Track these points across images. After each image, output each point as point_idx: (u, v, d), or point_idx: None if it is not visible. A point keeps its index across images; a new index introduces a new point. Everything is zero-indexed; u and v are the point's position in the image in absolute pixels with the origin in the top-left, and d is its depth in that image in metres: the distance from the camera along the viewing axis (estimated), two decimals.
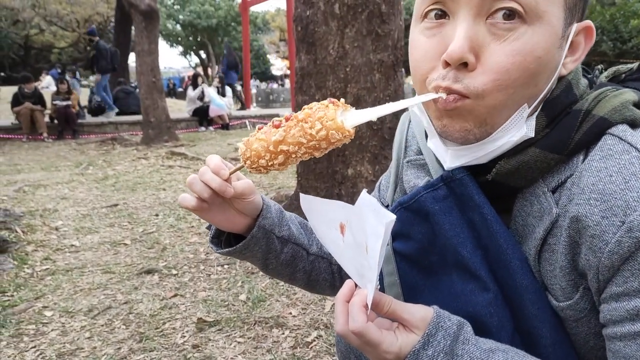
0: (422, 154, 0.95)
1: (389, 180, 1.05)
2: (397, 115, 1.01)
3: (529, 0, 0.67)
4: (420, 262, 0.87)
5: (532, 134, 0.74)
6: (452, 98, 0.72)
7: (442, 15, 0.73)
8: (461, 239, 0.81)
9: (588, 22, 0.76)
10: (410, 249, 0.88)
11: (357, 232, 0.73)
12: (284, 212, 1.07)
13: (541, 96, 0.74)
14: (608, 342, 0.70)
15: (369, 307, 0.72)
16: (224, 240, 1.02)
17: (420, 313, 0.72)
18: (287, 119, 0.77)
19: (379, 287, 0.72)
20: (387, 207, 0.98)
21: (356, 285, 0.77)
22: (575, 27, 0.74)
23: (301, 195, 0.84)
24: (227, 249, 0.99)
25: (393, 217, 0.65)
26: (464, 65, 0.71)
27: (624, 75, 0.88)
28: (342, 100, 0.77)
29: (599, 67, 0.94)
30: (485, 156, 0.78)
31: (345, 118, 0.74)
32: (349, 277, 1.20)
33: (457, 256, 0.81)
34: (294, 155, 0.76)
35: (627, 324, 0.66)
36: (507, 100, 0.72)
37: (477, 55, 0.70)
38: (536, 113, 0.75)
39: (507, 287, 0.78)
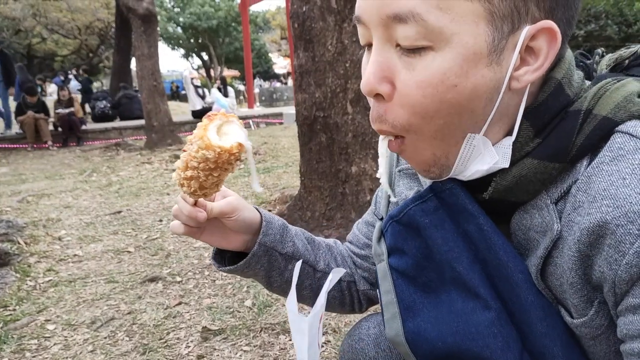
0: None
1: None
2: None
3: (431, 26, 0.59)
4: (417, 278, 0.79)
5: (507, 164, 0.66)
6: (394, 143, 0.68)
7: (371, 44, 0.68)
8: (456, 253, 0.73)
9: (547, 23, 0.61)
10: (406, 264, 0.80)
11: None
12: (289, 227, 1.02)
13: (489, 119, 0.64)
14: (626, 359, 0.62)
15: None
16: (227, 258, 1.00)
17: None
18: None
19: None
20: (381, 219, 0.91)
21: None
22: (525, 32, 0.61)
23: None
24: (228, 267, 0.96)
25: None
26: (381, 96, 0.65)
27: (627, 61, 0.78)
28: (222, 111, 0.73)
29: (599, 50, 0.84)
30: (465, 177, 0.71)
31: (228, 132, 0.70)
32: (362, 294, 1.13)
33: (454, 272, 0.73)
34: (203, 179, 0.73)
35: None
36: (442, 129, 0.64)
37: (393, 83, 0.64)
38: (513, 136, 0.66)
39: (511, 303, 0.71)
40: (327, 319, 2.57)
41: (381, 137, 0.72)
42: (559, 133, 0.65)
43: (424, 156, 0.69)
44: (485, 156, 0.67)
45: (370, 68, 0.65)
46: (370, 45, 0.68)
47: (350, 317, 2.53)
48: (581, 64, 0.79)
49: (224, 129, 0.70)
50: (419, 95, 0.62)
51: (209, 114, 0.72)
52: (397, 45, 0.63)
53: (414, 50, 0.61)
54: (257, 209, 0.99)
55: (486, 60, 0.61)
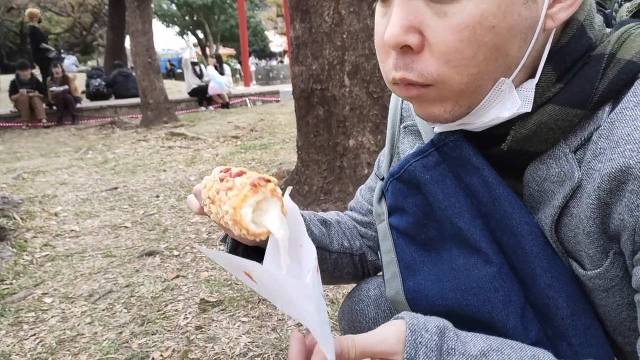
0: None
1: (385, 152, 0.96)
2: None
3: None
4: (417, 237, 0.78)
5: (529, 108, 0.64)
6: (414, 88, 0.64)
7: None
8: (457, 209, 0.71)
9: None
10: (406, 223, 0.78)
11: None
12: (303, 215, 0.97)
13: (522, 62, 0.62)
14: None
15: None
16: (241, 252, 0.93)
17: (393, 336, 0.62)
18: (224, 178, 0.66)
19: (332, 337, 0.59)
20: (382, 180, 0.88)
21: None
22: None
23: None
24: None
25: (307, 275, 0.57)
26: (409, 48, 0.61)
27: None
28: (272, 185, 0.62)
29: None
30: (478, 127, 0.68)
31: (262, 212, 0.61)
32: (370, 264, 1.09)
33: (455, 228, 0.72)
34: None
35: None
36: (475, 80, 0.61)
37: (422, 33, 0.60)
38: (536, 78, 0.64)
39: (515, 255, 0.69)
40: (324, 289, 2.58)
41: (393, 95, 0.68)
42: (581, 78, 0.63)
43: (444, 105, 0.65)
44: (506, 102, 0.64)
45: (394, 19, 0.60)
46: None
47: (348, 287, 2.54)
48: (600, 12, 0.76)
49: (263, 205, 0.62)
50: (455, 41, 0.58)
51: (257, 181, 0.61)
52: None
53: None
54: None
55: None
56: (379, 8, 0.68)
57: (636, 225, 0.56)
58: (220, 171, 0.71)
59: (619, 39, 0.64)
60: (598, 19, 0.68)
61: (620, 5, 0.79)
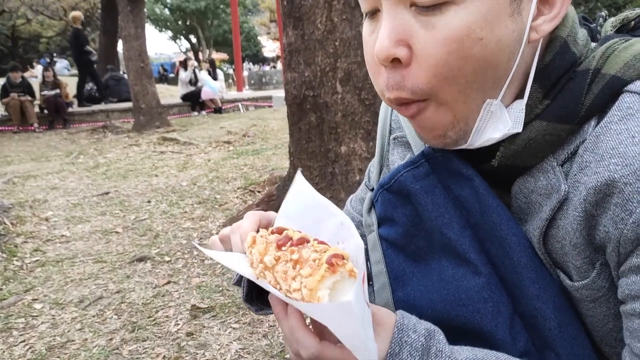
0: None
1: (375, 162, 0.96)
2: None
3: None
4: (406, 247, 0.78)
5: (520, 128, 0.64)
6: (412, 107, 0.65)
7: (376, 9, 0.64)
8: (446, 219, 0.72)
9: None
10: (396, 234, 0.79)
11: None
12: None
13: (510, 76, 0.63)
14: (626, 320, 0.62)
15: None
16: (255, 295, 0.88)
17: (383, 330, 0.62)
18: (284, 244, 0.63)
19: None
20: (372, 190, 0.89)
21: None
22: None
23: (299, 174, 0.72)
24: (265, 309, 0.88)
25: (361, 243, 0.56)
26: (399, 62, 0.61)
27: (632, 22, 0.77)
28: (350, 265, 0.58)
29: (603, 14, 0.82)
30: (472, 146, 0.69)
31: (336, 292, 0.57)
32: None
33: (444, 239, 0.72)
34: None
35: None
36: (465, 91, 0.62)
37: (409, 46, 0.61)
38: (525, 98, 0.64)
39: (504, 266, 0.69)
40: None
41: (383, 104, 0.68)
42: (567, 93, 0.64)
43: (443, 120, 0.66)
44: (498, 124, 0.65)
45: (383, 32, 0.61)
46: (373, 12, 0.66)
47: None
48: (585, 26, 0.77)
49: (339, 285, 0.57)
50: (443, 53, 0.59)
51: (334, 260, 0.57)
52: (412, 5, 0.60)
53: (433, 7, 0.59)
54: None
55: (509, 10, 0.59)
56: (366, 25, 0.68)
57: (621, 238, 0.58)
58: (272, 232, 0.67)
59: (604, 54, 0.65)
60: (582, 34, 0.69)
61: (605, 20, 0.81)
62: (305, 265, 0.58)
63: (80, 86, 12.21)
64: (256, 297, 0.87)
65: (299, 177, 0.73)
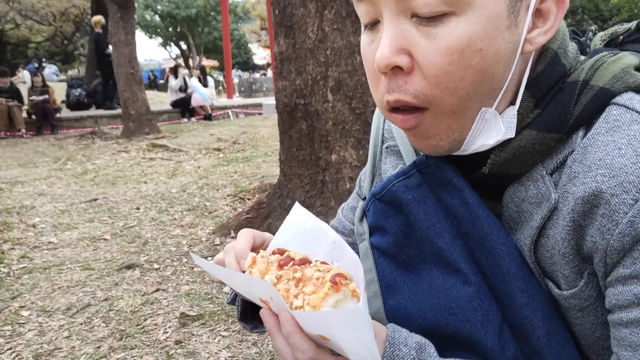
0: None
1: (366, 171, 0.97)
2: None
3: None
4: (398, 256, 0.79)
5: (513, 134, 0.66)
6: (411, 118, 0.65)
7: (377, 21, 0.66)
8: (437, 229, 0.73)
9: None
10: (387, 243, 0.80)
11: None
12: None
13: (505, 86, 0.65)
14: (613, 329, 0.63)
15: None
16: (250, 313, 0.89)
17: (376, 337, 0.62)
18: (286, 263, 0.63)
19: None
20: (364, 199, 0.90)
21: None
22: None
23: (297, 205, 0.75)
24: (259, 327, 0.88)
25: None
26: (400, 69, 0.63)
27: (621, 37, 0.79)
28: (353, 285, 0.59)
29: (592, 28, 0.85)
30: (465, 153, 0.71)
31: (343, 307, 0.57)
32: None
33: (435, 248, 0.73)
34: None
35: (635, 310, 0.59)
36: (464, 102, 0.63)
37: (411, 55, 0.62)
38: (516, 105, 0.66)
39: (493, 275, 0.71)
40: None
41: (376, 113, 0.69)
42: (557, 103, 0.66)
43: (439, 130, 0.67)
44: (492, 131, 0.66)
45: (385, 41, 0.62)
46: (372, 24, 0.67)
47: None
48: (575, 39, 0.79)
49: (341, 304, 0.58)
50: (445, 63, 0.60)
51: (338, 279, 0.57)
52: (413, 15, 0.61)
53: (434, 18, 0.60)
54: None
55: (506, 23, 0.61)
56: (365, 37, 0.69)
57: (607, 248, 0.59)
58: (273, 252, 0.68)
59: (593, 67, 0.67)
60: (572, 47, 0.71)
61: (594, 34, 0.83)
62: (309, 284, 0.59)
63: (105, 90, 12.48)
64: (251, 315, 0.88)
65: (297, 207, 0.75)
